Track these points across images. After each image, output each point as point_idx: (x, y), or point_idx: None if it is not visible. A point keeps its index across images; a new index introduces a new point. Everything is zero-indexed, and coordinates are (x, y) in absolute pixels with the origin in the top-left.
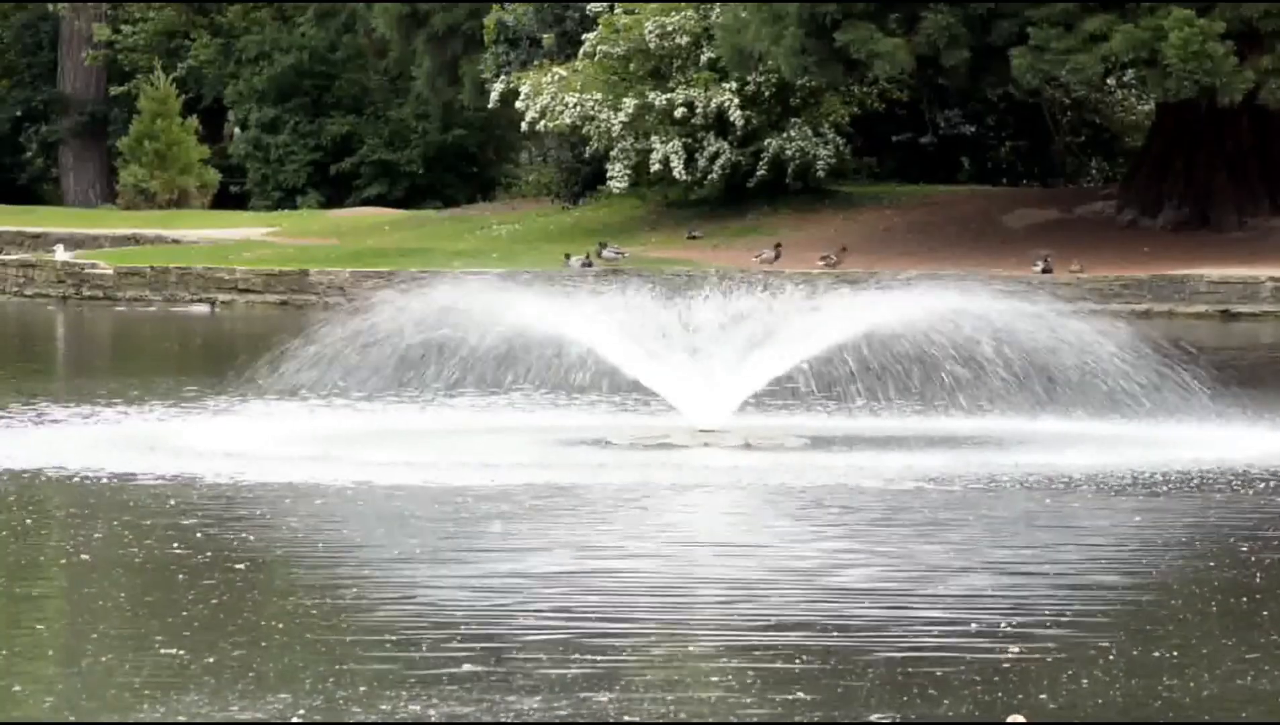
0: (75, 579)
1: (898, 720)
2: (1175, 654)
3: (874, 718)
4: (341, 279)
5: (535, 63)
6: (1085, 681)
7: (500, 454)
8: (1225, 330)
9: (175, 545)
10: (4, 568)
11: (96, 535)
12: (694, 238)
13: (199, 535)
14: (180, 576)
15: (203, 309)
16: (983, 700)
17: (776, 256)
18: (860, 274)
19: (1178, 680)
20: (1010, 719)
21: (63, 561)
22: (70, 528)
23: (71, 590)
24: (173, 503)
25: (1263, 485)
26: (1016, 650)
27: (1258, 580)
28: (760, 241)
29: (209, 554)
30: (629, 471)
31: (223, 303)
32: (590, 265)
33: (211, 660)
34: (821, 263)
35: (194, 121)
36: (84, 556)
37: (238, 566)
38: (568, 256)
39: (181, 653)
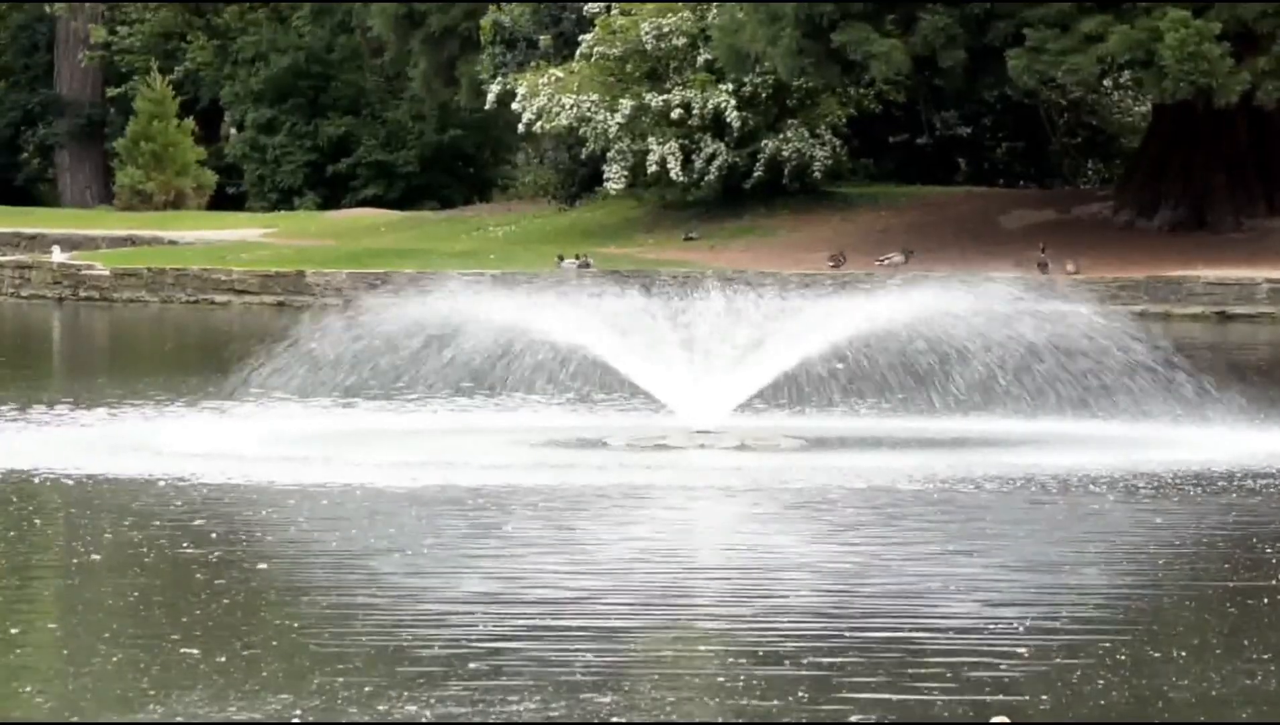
0: (88, 579)
1: (883, 720)
2: (1187, 655)
3: (856, 718)
4: (338, 280)
5: (532, 64)
6: (1100, 683)
7: (499, 455)
8: (1222, 331)
9: (185, 545)
10: (15, 569)
11: (106, 535)
12: (690, 239)
13: (213, 536)
14: (196, 576)
15: None
16: (988, 701)
17: (906, 260)
18: (858, 275)
19: (1187, 681)
20: (994, 720)
21: (75, 562)
22: (79, 529)
23: (84, 590)
24: (179, 503)
25: None
26: (1025, 652)
27: (1276, 582)
28: (757, 242)
29: (218, 554)
30: (626, 472)
31: (219, 303)
32: (588, 266)
33: (223, 659)
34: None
35: (190, 122)
36: (95, 556)
37: (259, 566)
38: (560, 257)
39: (193, 652)
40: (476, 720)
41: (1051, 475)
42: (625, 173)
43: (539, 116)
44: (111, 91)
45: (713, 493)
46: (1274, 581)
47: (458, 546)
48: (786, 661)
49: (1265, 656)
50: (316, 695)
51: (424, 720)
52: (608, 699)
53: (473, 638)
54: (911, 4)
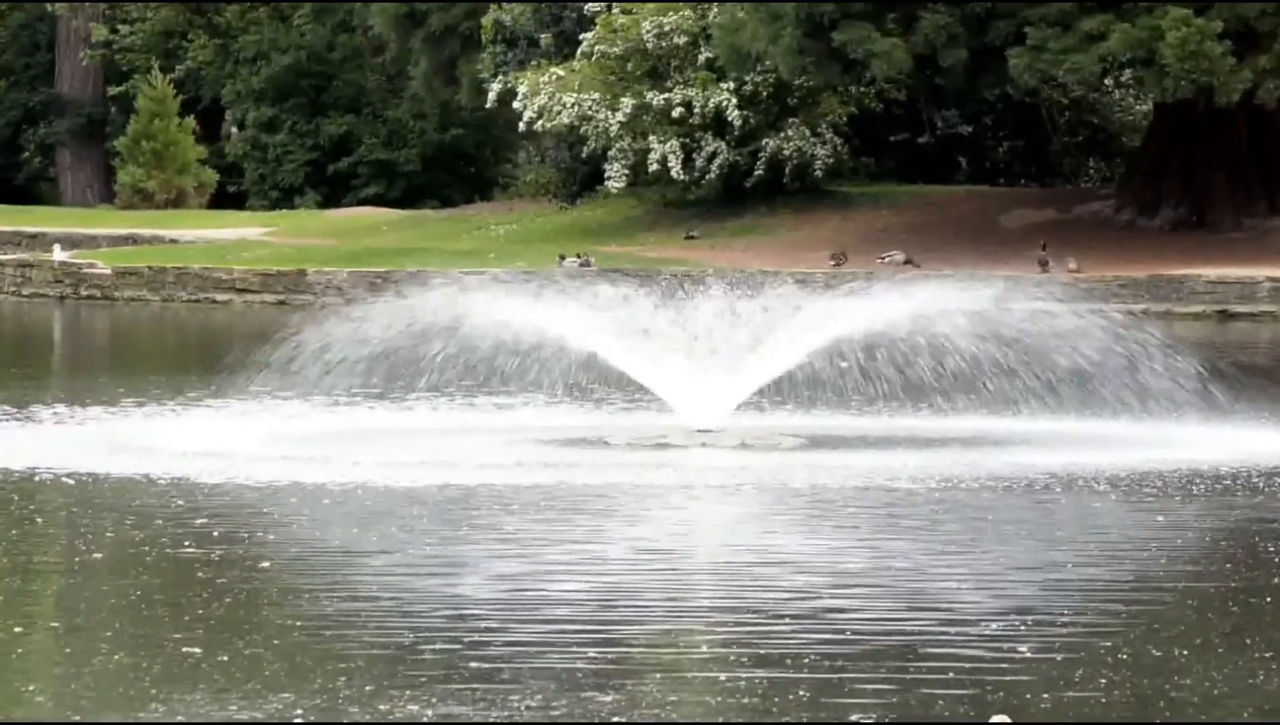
0: (89, 578)
1: (883, 720)
2: (1188, 654)
3: (856, 718)
4: (339, 279)
5: (533, 63)
6: (1101, 682)
7: (500, 454)
8: (1223, 330)
9: (187, 544)
10: (17, 568)
11: (108, 535)
12: (691, 238)
13: (215, 535)
14: (198, 575)
15: None
16: (988, 701)
17: (907, 260)
18: (858, 274)
19: (1189, 680)
20: (994, 719)
21: (76, 561)
22: (80, 528)
23: (85, 589)
24: (180, 503)
25: None
26: (1025, 652)
27: (1278, 581)
28: (758, 241)
29: (220, 553)
30: (626, 471)
31: (219, 302)
32: (589, 265)
33: (224, 659)
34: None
35: (191, 121)
36: (96, 555)
37: (261, 565)
38: (561, 257)
39: (195, 651)
40: (476, 720)
41: (1053, 475)
42: (626, 171)
43: (540, 115)
44: (112, 90)
45: (713, 492)
46: (1276, 580)
47: (458, 546)
48: (787, 661)
49: (1267, 655)
50: (318, 695)
51: (424, 720)
52: (608, 699)
53: (473, 638)
54: (912, 3)
